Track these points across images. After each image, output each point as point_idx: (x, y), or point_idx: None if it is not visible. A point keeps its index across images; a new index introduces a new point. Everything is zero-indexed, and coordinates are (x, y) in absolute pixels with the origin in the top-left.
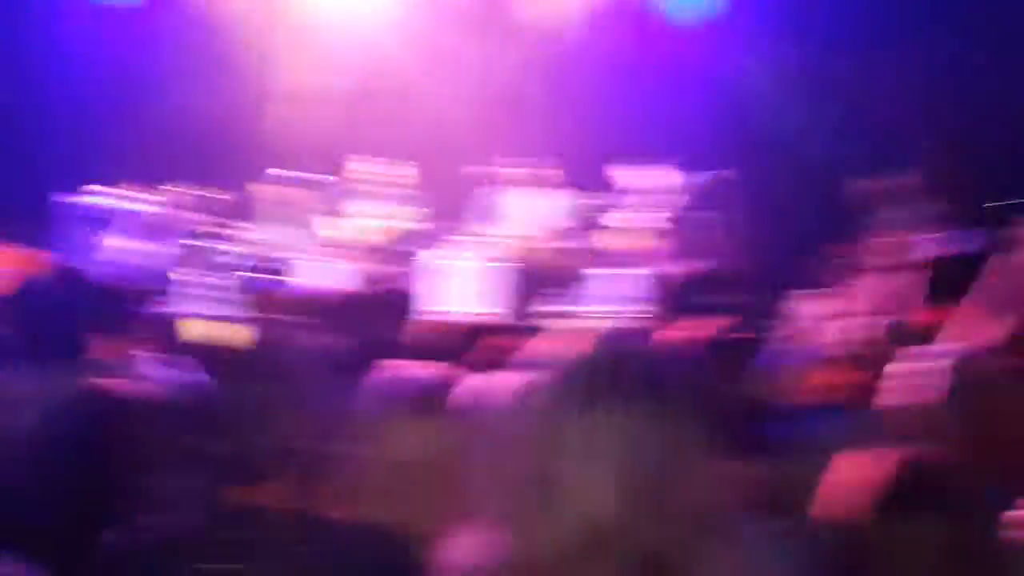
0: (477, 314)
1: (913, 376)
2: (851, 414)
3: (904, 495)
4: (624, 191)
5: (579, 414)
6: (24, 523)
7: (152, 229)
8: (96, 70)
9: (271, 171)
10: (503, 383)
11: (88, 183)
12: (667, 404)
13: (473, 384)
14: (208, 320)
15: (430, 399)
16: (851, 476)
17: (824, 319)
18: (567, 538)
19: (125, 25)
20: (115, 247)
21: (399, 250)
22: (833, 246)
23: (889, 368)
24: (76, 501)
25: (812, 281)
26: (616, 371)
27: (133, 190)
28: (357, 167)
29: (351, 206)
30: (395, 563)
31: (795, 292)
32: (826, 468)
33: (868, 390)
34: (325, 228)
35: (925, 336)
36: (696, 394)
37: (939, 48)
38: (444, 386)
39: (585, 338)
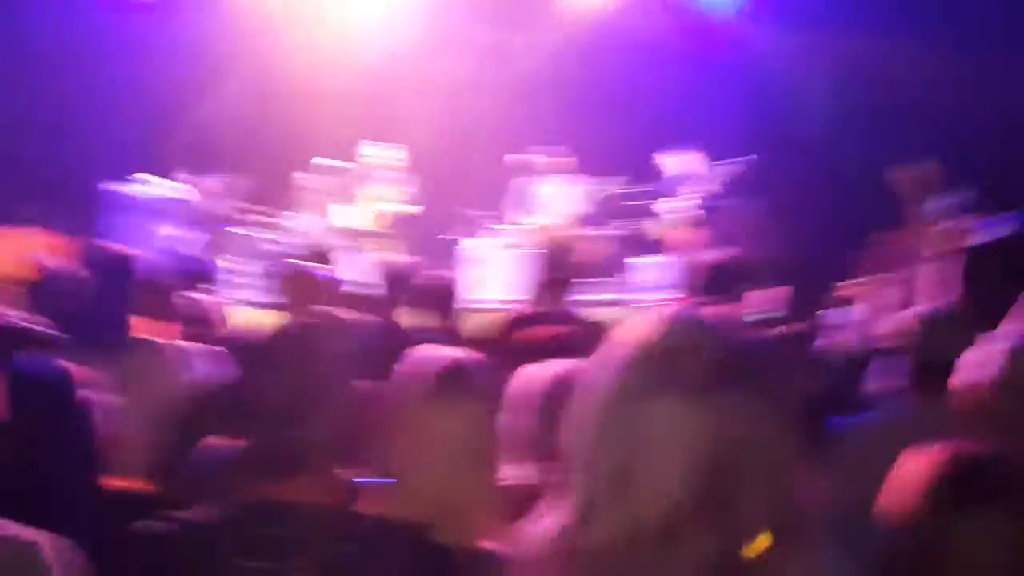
0: (515, 302)
1: (973, 364)
2: (912, 403)
3: (968, 490)
4: (661, 179)
5: (659, 398)
6: (57, 502)
7: (197, 218)
8: (141, 66)
9: (312, 161)
10: (553, 369)
11: (136, 173)
12: (750, 392)
13: (526, 370)
14: (250, 307)
15: (474, 382)
16: (915, 471)
17: (875, 308)
18: (643, 525)
19: (166, 24)
20: (162, 235)
21: (437, 238)
22: (875, 234)
23: (946, 356)
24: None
25: (857, 269)
26: (698, 355)
27: (178, 180)
28: (385, 156)
29: (385, 193)
30: (432, 557)
31: (841, 281)
32: (888, 461)
33: (924, 378)
34: (359, 216)
35: (977, 323)
36: (777, 383)
37: (970, 33)
38: (490, 370)
39: (651, 320)
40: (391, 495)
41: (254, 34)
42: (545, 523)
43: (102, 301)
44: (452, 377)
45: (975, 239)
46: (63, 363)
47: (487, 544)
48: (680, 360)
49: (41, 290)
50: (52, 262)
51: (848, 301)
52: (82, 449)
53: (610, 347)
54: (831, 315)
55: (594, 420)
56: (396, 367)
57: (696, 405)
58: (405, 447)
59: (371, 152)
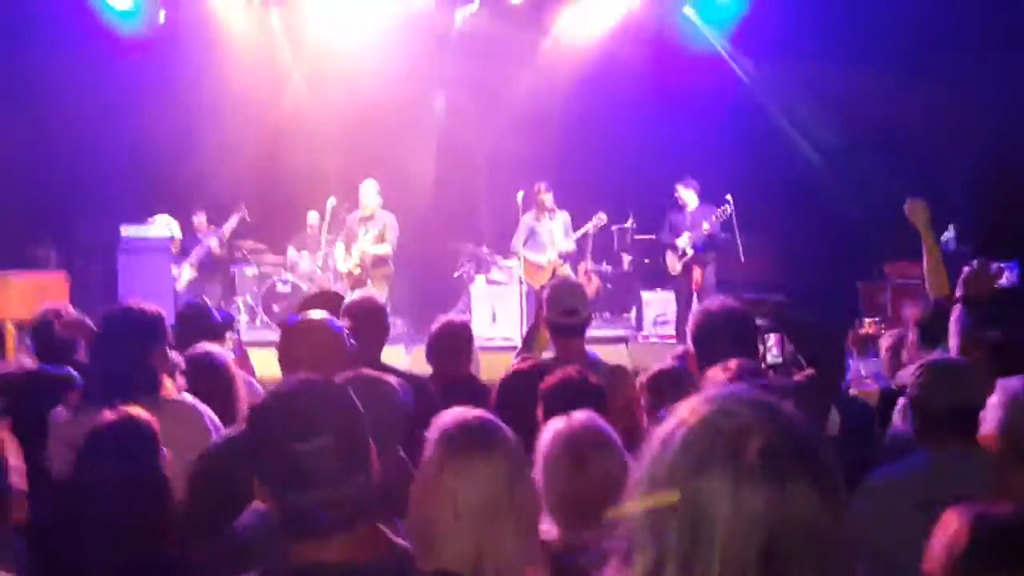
0: (521, 338)
1: (989, 413)
2: (930, 455)
3: (997, 553)
4: (670, 213)
5: (722, 477)
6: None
7: (208, 259)
8: (148, 107)
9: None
10: (579, 422)
11: (147, 215)
12: (807, 477)
13: (554, 425)
14: (265, 348)
15: (502, 441)
16: (946, 534)
17: (890, 349)
18: None
19: (171, 64)
20: (174, 276)
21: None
22: (880, 267)
23: (962, 405)
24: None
25: (865, 306)
26: (760, 437)
27: (192, 221)
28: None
29: (376, 233)
30: None
31: (851, 319)
32: (908, 516)
33: (939, 428)
34: (351, 257)
35: (998, 366)
36: (831, 469)
37: (967, 65)
38: (482, 426)
39: (715, 397)
40: (433, 553)
41: (258, 74)
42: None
43: (130, 358)
44: (481, 437)
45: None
46: (146, 417)
47: None
48: (742, 441)
49: (49, 336)
50: (63, 308)
51: (864, 342)
52: (155, 510)
53: (676, 419)
54: (848, 358)
55: (661, 493)
56: (428, 430)
57: (755, 487)
58: (439, 505)
59: (367, 190)
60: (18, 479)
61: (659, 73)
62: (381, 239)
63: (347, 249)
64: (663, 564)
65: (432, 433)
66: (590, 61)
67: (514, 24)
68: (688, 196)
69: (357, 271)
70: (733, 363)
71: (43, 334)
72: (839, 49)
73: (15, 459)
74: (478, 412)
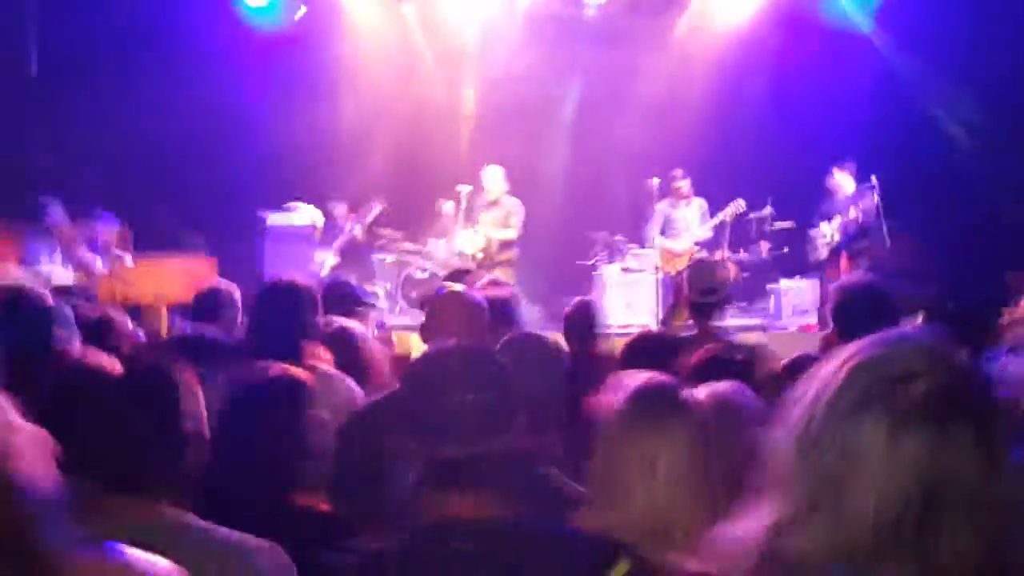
0: (655, 324)
1: None
2: None
3: None
4: (825, 200)
5: (877, 418)
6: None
7: (345, 244)
8: (285, 96)
9: (457, 188)
10: (731, 388)
11: (287, 201)
12: (971, 428)
13: (709, 389)
14: (405, 331)
15: (681, 403)
16: None
17: None
18: (843, 542)
19: (305, 53)
20: (314, 261)
21: (575, 263)
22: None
23: None
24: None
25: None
26: (925, 380)
27: (332, 211)
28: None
29: (500, 219)
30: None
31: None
32: None
33: None
34: (474, 241)
35: None
36: (997, 422)
37: None
38: (675, 389)
39: (883, 339)
40: (619, 510)
41: (391, 66)
42: (745, 527)
43: (285, 328)
44: (676, 398)
45: None
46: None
47: (692, 563)
48: (906, 383)
49: (206, 308)
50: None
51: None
52: (293, 461)
53: (832, 361)
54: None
55: (806, 431)
56: (603, 391)
57: (915, 431)
58: (631, 463)
59: (491, 176)
60: (196, 425)
61: (799, 56)
62: (506, 224)
63: (472, 234)
64: (818, 499)
65: (616, 392)
66: (726, 45)
67: (646, 9)
68: (843, 180)
69: (481, 255)
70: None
71: (202, 306)
72: (987, 29)
73: (195, 405)
74: (661, 375)
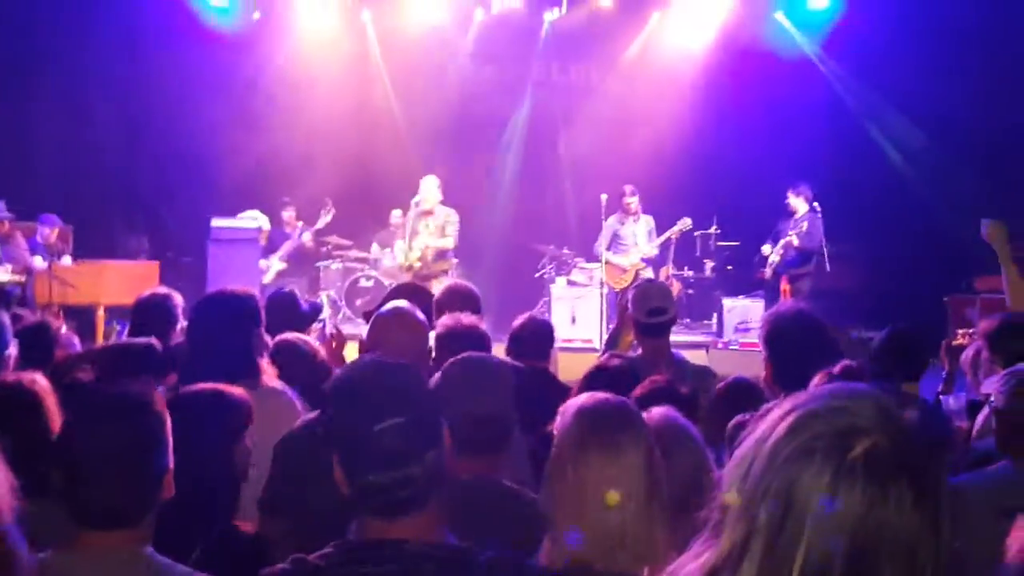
0: (599, 339)
1: None
2: (1017, 463)
3: None
4: (780, 221)
5: (821, 470)
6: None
7: (294, 252)
8: (236, 102)
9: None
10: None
11: (237, 210)
12: (914, 489)
13: (661, 412)
14: (350, 338)
15: (636, 423)
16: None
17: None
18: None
19: (257, 59)
20: (261, 268)
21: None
22: (972, 284)
23: None
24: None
25: (955, 321)
26: (871, 439)
27: (281, 216)
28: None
29: (444, 227)
30: None
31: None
32: (987, 526)
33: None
34: (412, 252)
35: None
36: (940, 484)
37: None
38: (626, 407)
39: (836, 392)
40: (555, 530)
41: (347, 72)
42: (687, 568)
43: (227, 341)
44: (626, 418)
45: None
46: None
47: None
48: (851, 438)
49: (145, 314)
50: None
51: (957, 353)
52: (233, 486)
53: (783, 405)
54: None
55: (746, 473)
56: (559, 412)
57: (855, 486)
58: (581, 484)
59: (426, 186)
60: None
61: (747, 78)
62: (442, 233)
63: (408, 244)
64: (749, 544)
65: (568, 413)
66: (678, 66)
67: (602, 28)
68: (796, 203)
69: (418, 265)
70: (839, 367)
71: (142, 314)
72: (931, 58)
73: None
74: (613, 396)
